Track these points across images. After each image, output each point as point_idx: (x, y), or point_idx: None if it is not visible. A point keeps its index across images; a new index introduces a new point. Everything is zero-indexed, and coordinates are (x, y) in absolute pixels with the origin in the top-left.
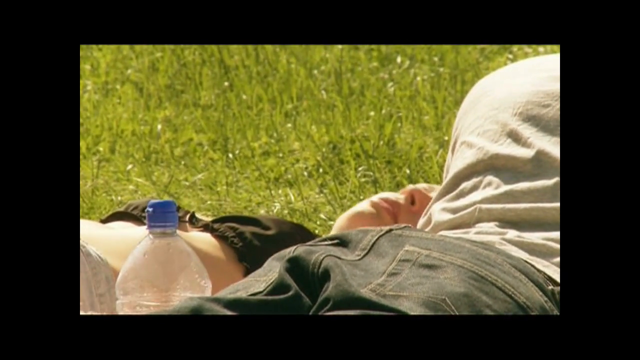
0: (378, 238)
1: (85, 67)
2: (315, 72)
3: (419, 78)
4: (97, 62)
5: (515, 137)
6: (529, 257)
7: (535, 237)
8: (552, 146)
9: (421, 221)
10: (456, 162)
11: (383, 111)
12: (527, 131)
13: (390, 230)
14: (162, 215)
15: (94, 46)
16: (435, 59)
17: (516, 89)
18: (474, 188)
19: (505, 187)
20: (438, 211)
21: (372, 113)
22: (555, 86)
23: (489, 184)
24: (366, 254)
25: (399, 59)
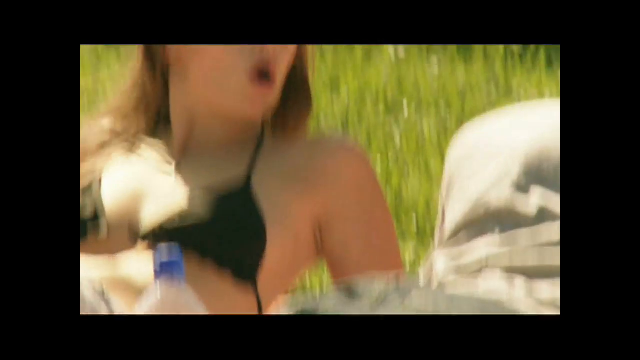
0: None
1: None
2: (322, 119)
3: (425, 126)
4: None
5: (516, 185)
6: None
7: (544, 289)
8: (553, 194)
9: (422, 270)
10: (454, 210)
11: (389, 159)
12: (528, 179)
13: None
14: (168, 267)
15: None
16: (442, 107)
17: (516, 137)
18: (476, 236)
19: (508, 235)
20: (440, 262)
21: (378, 161)
22: (556, 135)
23: (491, 232)
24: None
25: (405, 107)
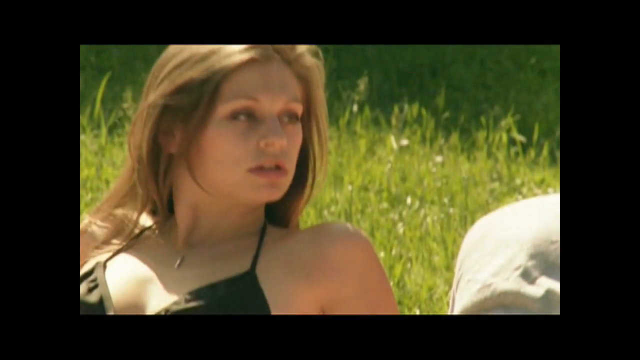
0: None
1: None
2: (326, 212)
3: (428, 219)
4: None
5: (523, 274)
6: None
7: None
8: (558, 277)
9: None
10: (462, 299)
11: (393, 252)
12: (535, 268)
13: None
14: None
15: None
16: (445, 200)
17: (523, 226)
18: None
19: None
20: None
21: (382, 254)
22: (558, 221)
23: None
24: None
25: (408, 200)
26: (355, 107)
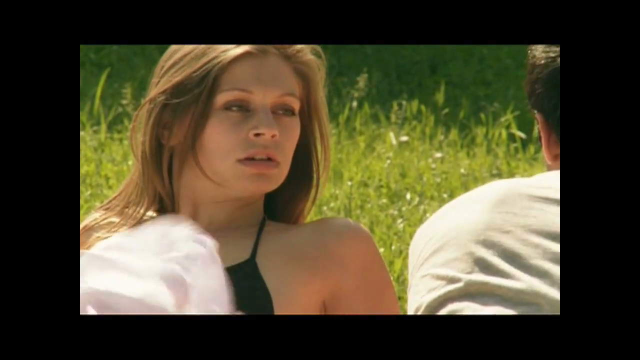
0: None
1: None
2: (325, 208)
3: (428, 214)
4: None
5: (483, 265)
6: None
7: None
8: (520, 270)
9: None
10: (421, 294)
11: (393, 247)
12: (494, 258)
13: None
14: None
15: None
16: (445, 195)
17: (472, 218)
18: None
19: (486, 310)
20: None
21: (381, 249)
22: (512, 210)
23: (468, 308)
24: None
25: (408, 196)
26: (354, 104)
